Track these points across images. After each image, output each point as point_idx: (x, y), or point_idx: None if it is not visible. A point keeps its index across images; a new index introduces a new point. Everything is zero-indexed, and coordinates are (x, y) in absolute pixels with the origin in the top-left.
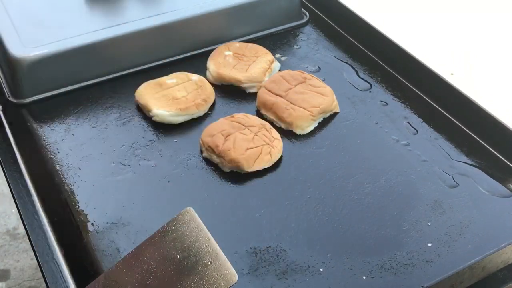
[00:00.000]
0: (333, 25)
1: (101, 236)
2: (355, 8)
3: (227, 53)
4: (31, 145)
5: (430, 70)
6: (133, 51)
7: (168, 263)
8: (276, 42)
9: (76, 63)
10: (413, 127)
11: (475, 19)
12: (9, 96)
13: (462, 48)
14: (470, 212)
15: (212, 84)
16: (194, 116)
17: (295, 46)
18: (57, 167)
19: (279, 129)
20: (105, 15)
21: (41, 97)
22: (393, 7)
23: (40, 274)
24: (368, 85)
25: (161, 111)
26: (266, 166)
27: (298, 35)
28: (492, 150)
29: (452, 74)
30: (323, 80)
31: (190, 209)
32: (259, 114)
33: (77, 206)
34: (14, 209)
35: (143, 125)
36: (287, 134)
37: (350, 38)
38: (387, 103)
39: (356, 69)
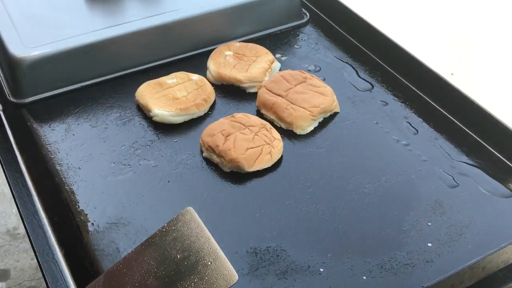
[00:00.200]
0: (334, 25)
1: (101, 236)
2: (355, 8)
3: (227, 53)
4: (31, 145)
5: (430, 70)
6: (133, 51)
7: (168, 263)
8: (277, 42)
9: (76, 63)
10: (413, 127)
11: (475, 19)
12: (9, 96)
13: (462, 48)
14: (470, 212)
15: (212, 84)
16: (194, 116)
17: (296, 46)
18: (57, 167)
19: (279, 129)
20: (105, 15)
21: (41, 97)
22: (393, 7)
23: (40, 274)
24: (369, 85)
25: (162, 111)
26: (266, 166)
27: (298, 35)
28: (492, 150)
29: (452, 74)
30: (323, 80)
31: (190, 209)
32: (259, 114)
33: (77, 206)
34: (14, 209)
35: (143, 125)
36: (287, 134)
37: (350, 38)
38: (387, 103)
39: (356, 69)
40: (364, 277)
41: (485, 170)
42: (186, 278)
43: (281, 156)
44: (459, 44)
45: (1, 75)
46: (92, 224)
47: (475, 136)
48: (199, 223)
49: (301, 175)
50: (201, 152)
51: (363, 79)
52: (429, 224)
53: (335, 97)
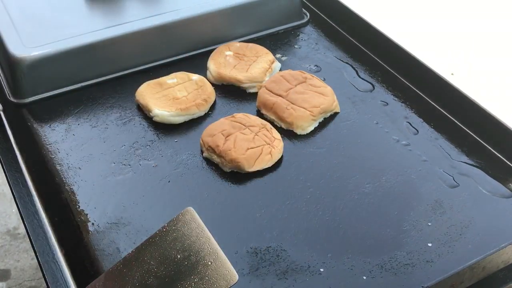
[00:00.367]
0: (334, 25)
1: (101, 236)
2: (355, 8)
3: (227, 53)
4: (32, 145)
5: (431, 70)
6: (133, 51)
7: (168, 263)
8: (277, 42)
9: (76, 63)
10: (413, 127)
11: (475, 19)
12: (9, 96)
13: (462, 48)
14: (471, 212)
15: (213, 84)
16: (195, 116)
17: (296, 46)
18: (58, 167)
19: (279, 129)
20: (105, 15)
21: (41, 97)
22: (394, 7)
23: (40, 274)
24: (369, 85)
25: (162, 111)
26: (266, 166)
27: (298, 35)
28: (493, 150)
29: (452, 74)
30: (324, 80)
31: (191, 209)
32: (260, 114)
33: (77, 206)
34: (15, 209)
35: (143, 125)
36: (288, 134)
37: (351, 38)
38: (387, 103)
39: (356, 69)
40: (364, 277)
41: (485, 170)
42: (186, 278)
43: (281, 156)
44: (459, 44)
45: (1, 75)
46: (93, 224)
47: (475, 136)
48: (199, 223)
49: (301, 175)
50: (201, 152)
51: (363, 79)
52: (429, 224)
53: (335, 97)
